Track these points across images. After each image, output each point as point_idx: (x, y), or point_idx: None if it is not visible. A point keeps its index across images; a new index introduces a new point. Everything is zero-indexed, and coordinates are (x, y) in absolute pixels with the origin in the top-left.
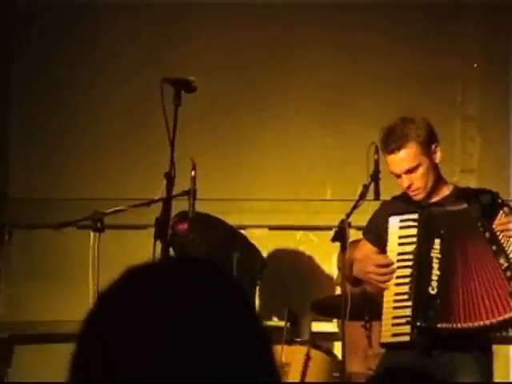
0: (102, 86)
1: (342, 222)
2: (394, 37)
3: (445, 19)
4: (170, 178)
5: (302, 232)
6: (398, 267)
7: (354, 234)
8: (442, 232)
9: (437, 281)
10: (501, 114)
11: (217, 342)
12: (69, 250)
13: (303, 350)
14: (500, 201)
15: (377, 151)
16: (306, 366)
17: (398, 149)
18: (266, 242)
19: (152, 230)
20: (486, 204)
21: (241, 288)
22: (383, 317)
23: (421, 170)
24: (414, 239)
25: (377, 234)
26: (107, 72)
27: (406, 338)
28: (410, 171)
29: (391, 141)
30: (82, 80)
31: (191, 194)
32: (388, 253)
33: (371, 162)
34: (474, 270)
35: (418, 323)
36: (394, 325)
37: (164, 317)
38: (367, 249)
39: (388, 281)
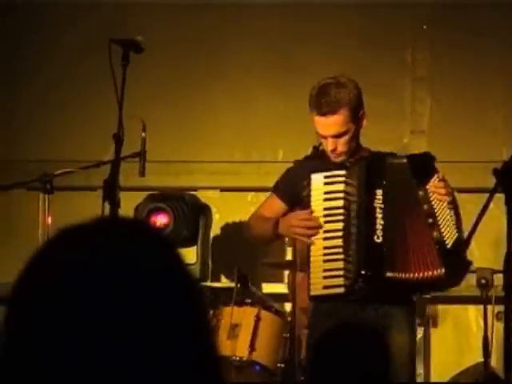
0: (51, 49)
1: None
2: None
3: None
4: (118, 140)
5: (253, 193)
6: (326, 222)
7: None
8: (384, 183)
9: (382, 229)
10: (451, 75)
11: (144, 302)
12: (19, 211)
13: (253, 311)
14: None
15: None
16: (256, 327)
17: (330, 113)
18: (217, 204)
19: (101, 192)
20: (422, 164)
21: (173, 247)
22: (311, 270)
23: (347, 136)
24: (342, 195)
25: (290, 191)
26: (57, 35)
27: (341, 290)
28: (336, 136)
29: (323, 103)
30: (33, 42)
31: (141, 155)
32: (312, 208)
33: None
34: (411, 223)
35: (363, 272)
36: (325, 277)
37: (90, 277)
38: (277, 205)
39: (314, 235)
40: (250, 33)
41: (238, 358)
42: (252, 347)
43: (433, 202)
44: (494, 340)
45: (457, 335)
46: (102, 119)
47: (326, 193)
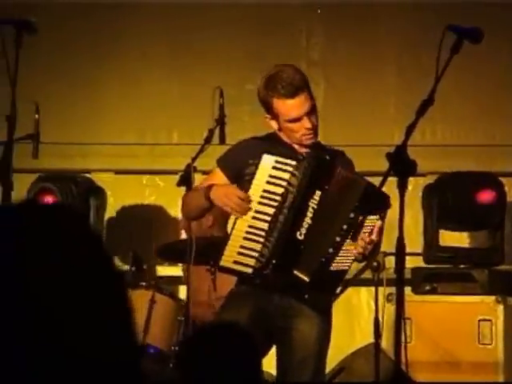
0: None
1: (188, 166)
2: None
3: None
4: (11, 121)
5: (148, 176)
6: (260, 203)
7: (199, 179)
8: (326, 187)
9: (306, 229)
10: (345, 59)
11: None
12: None
13: (148, 294)
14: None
15: (221, 95)
16: (150, 310)
17: (299, 92)
18: (111, 187)
19: None
20: (375, 198)
21: (90, 227)
22: (229, 242)
23: (316, 112)
24: (284, 183)
25: (236, 166)
26: None
27: (248, 270)
28: (310, 112)
29: (290, 86)
30: None
31: (34, 137)
32: (252, 186)
33: (216, 107)
34: (337, 228)
35: (274, 261)
36: (239, 253)
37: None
38: (219, 179)
39: (245, 212)
40: (146, 15)
41: None
42: (146, 330)
43: (354, 233)
44: (384, 322)
45: (349, 317)
46: None
47: (270, 176)
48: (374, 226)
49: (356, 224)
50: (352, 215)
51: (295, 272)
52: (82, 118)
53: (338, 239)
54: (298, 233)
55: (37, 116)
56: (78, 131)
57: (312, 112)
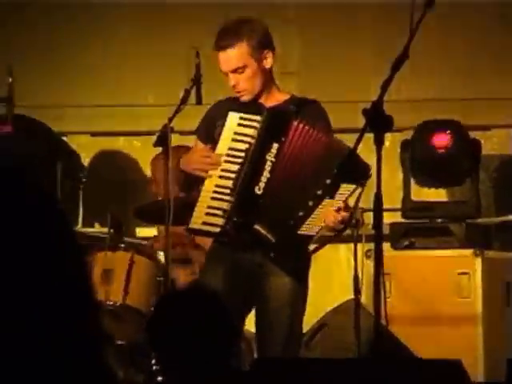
0: None
1: (165, 126)
2: None
3: None
4: None
5: (124, 137)
6: (226, 161)
7: (176, 139)
8: (282, 139)
9: (265, 182)
10: (320, 15)
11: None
12: None
13: (127, 255)
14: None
15: (197, 55)
16: (129, 272)
17: (228, 47)
18: (88, 149)
19: None
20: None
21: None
22: (198, 204)
23: (248, 72)
24: (249, 139)
25: (209, 130)
26: None
27: (216, 229)
28: (236, 71)
29: (223, 38)
30: None
31: (8, 100)
32: (219, 144)
33: (192, 66)
34: (299, 183)
35: (235, 218)
36: (207, 214)
37: None
38: (200, 147)
39: (212, 170)
40: None
41: (111, 303)
42: (126, 291)
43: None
44: (363, 278)
45: (328, 274)
46: None
47: (235, 133)
48: (349, 194)
49: (331, 191)
50: (328, 181)
51: (256, 227)
52: (57, 80)
53: (310, 203)
54: (257, 187)
55: (10, 79)
56: (53, 94)
57: (240, 71)
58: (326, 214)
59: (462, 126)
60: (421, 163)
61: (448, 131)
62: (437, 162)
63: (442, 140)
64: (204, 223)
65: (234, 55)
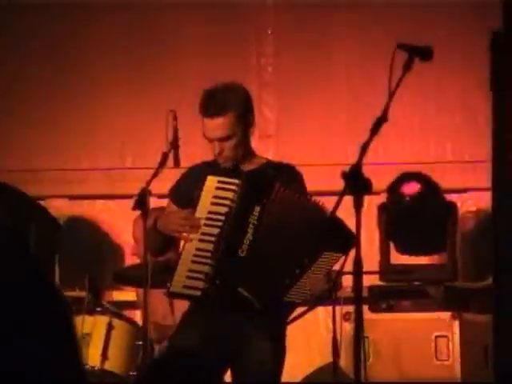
0: None
1: (143, 190)
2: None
3: None
4: None
5: (102, 201)
6: (206, 225)
7: (154, 202)
8: (264, 201)
9: (248, 245)
10: (297, 79)
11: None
12: None
13: (105, 319)
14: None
15: (175, 118)
16: (108, 336)
17: (217, 115)
18: (66, 212)
19: None
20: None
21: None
22: (178, 267)
23: (233, 141)
24: (229, 202)
25: (185, 193)
26: None
27: (197, 293)
28: (222, 139)
29: (210, 106)
30: None
31: None
32: (198, 208)
33: (170, 130)
34: (283, 246)
35: (218, 281)
36: (188, 277)
37: None
38: (172, 209)
39: (191, 232)
40: (97, 40)
41: (90, 368)
42: (104, 356)
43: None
44: (341, 340)
45: (306, 337)
46: None
47: (214, 196)
48: (334, 263)
49: (317, 259)
50: (314, 250)
51: (240, 290)
52: (34, 144)
53: (297, 271)
54: (240, 250)
55: None
56: (31, 157)
57: (226, 139)
58: (312, 282)
59: (430, 177)
60: (398, 228)
61: (417, 181)
62: (406, 210)
63: (411, 188)
64: (185, 286)
65: (221, 124)
